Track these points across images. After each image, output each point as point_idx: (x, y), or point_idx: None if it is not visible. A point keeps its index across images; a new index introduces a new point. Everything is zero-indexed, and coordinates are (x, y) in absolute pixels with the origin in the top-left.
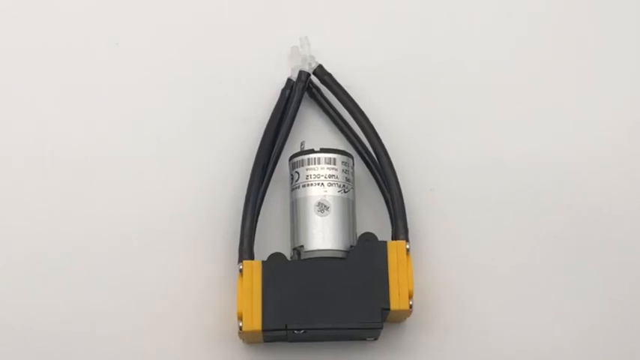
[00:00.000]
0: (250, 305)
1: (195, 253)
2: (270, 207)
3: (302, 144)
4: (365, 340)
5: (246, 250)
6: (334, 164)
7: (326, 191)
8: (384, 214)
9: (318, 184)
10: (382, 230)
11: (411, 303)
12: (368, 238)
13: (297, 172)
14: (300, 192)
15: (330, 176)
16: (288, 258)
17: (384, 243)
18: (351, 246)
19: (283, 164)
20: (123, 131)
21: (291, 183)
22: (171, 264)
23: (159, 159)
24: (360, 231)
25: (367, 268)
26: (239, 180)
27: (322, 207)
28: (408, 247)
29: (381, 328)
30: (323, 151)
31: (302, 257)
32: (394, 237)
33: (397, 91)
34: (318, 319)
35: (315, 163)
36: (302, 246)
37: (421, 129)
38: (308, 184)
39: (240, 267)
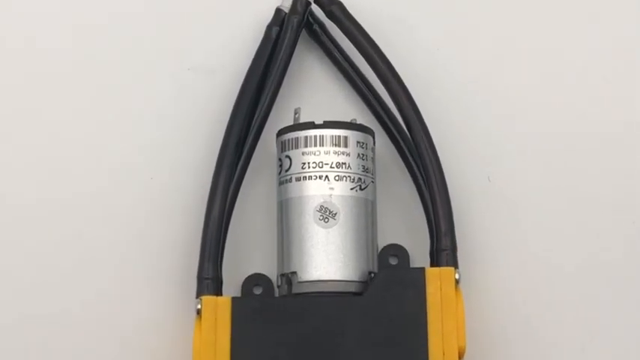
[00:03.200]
0: None
1: (135, 284)
2: (246, 211)
3: (296, 113)
4: None
5: (207, 280)
6: (345, 146)
7: (332, 188)
8: (416, 216)
9: (321, 176)
10: (416, 243)
11: None
12: (395, 260)
13: (287, 156)
14: (293, 188)
15: (340, 165)
16: (275, 290)
17: (421, 271)
18: (370, 273)
19: (267, 143)
20: None
21: (280, 173)
22: (101, 300)
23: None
24: (382, 243)
25: (394, 310)
26: (200, 168)
27: (326, 213)
28: (457, 276)
29: None
30: (328, 125)
31: (294, 290)
32: (435, 259)
33: (439, 37)
34: None
35: (315, 144)
36: (294, 272)
37: (471, 95)
38: (305, 177)
39: (198, 306)
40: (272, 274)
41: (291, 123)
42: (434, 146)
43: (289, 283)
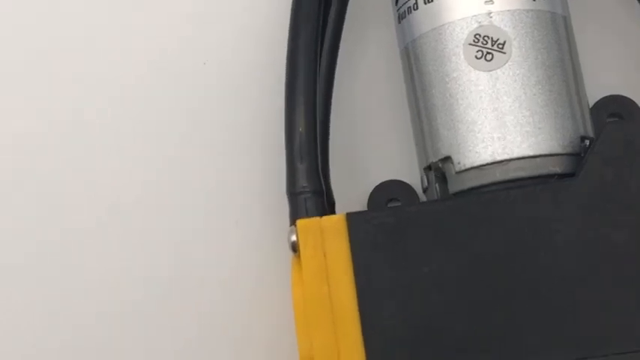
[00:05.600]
0: (332, 334)
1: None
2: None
3: None
4: None
5: (305, 194)
6: None
7: (491, 1)
8: None
9: None
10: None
11: None
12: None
13: None
14: (422, 18)
15: None
16: (420, 193)
17: None
18: (584, 139)
19: None
20: None
21: (396, 2)
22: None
23: None
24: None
25: (633, 197)
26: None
27: (487, 44)
28: None
29: None
30: None
31: (452, 188)
32: None
33: None
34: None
35: None
36: (447, 158)
37: None
38: None
39: (293, 237)
40: (413, 178)
41: None
42: None
43: (441, 178)
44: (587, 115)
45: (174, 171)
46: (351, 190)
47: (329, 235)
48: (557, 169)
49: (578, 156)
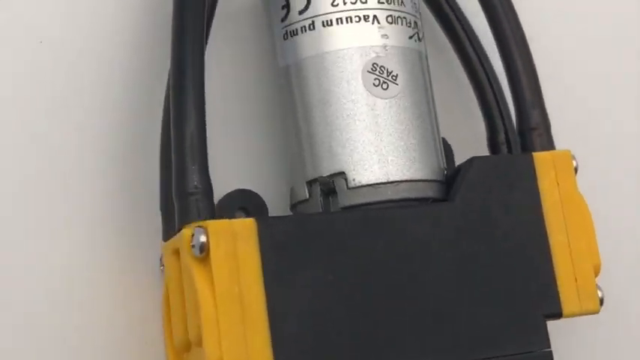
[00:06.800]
0: (242, 335)
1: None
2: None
3: None
4: None
5: (196, 194)
6: None
7: (386, 36)
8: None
9: (366, 17)
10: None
11: (600, 296)
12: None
13: None
14: (318, 39)
15: None
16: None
17: (528, 157)
18: (444, 169)
19: None
20: None
21: (283, 19)
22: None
23: None
24: None
25: (500, 218)
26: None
27: (383, 74)
28: (575, 164)
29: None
30: None
31: (343, 201)
32: (528, 143)
33: None
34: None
35: None
36: (340, 174)
37: None
38: (340, 20)
39: (202, 238)
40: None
41: None
42: None
43: (330, 190)
44: (441, 144)
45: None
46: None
47: (240, 238)
48: (432, 194)
49: (441, 183)
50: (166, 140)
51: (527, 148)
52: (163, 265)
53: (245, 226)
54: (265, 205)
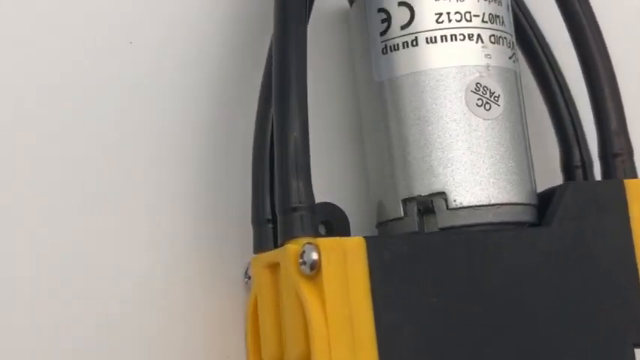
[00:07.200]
0: (352, 357)
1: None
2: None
3: None
4: None
5: (301, 210)
6: None
7: (489, 56)
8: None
9: (470, 36)
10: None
11: None
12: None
13: (404, 3)
14: (421, 56)
15: (493, 19)
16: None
17: (619, 184)
18: (537, 193)
19: None
20: None
21: (383, 33)
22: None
23: None
24: None
25: (593, 245)
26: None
27: (486, 95)
28: None
29: None
30: None
31: (442, 222)
32: (611, 169)
33: None
34: None
35: None
36: (441, 194)
37: None
38: (445, 37)
39: (314, 256)
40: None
41: None
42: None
43: (427, 210)
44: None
45: (94, 169)
46: None
47: (350, 257)
48: (527, 217)
49: (535, 207)
50: (259, 147)
51: (611, 174)
52: (249, 277)
53: (355, 245)
54: (348, 220)
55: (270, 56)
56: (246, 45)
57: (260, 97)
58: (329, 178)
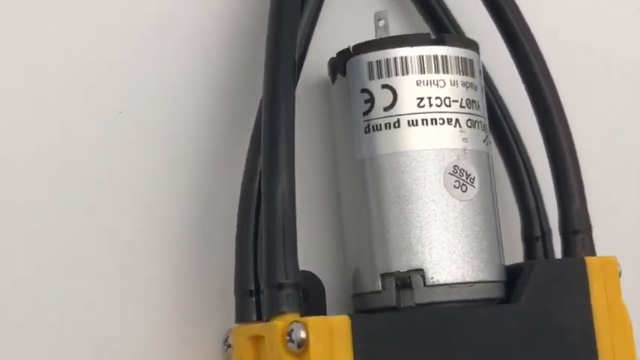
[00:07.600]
0: None
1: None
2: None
3: (380, 19)
4: None
5: (288, 288)
6: (471, 74)
7: (466, 140)
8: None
9: (450, 121)
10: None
11: None
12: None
13: (388, 86)
14: (403, 138)
15: (470, 103)
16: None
17: (580, 263)
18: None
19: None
20: None
21: (366, 113)
22: None
23: None
24: None
25: (557, 321)
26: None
27: (463, 177)
28: (619, 269)
29: None
30: (451, 41)
31: (419, 298)
32: (571, 245)
33: None
34: None
35: (438, 70)
36: (418, 270)
37: None
38: (426, 121)
39: (302, 334)
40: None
41: (372, 34)
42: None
43: (404, 285)
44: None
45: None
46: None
47: (336, 335)
48: (497, 294)
49: (503, 283)
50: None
51: (571, 251)
52: (229, 346)
53: (340, 324)
54: (324, 289)
55: (257, 125)
56: (227, 121)
57: (245, 173)
58: (305, 246)
